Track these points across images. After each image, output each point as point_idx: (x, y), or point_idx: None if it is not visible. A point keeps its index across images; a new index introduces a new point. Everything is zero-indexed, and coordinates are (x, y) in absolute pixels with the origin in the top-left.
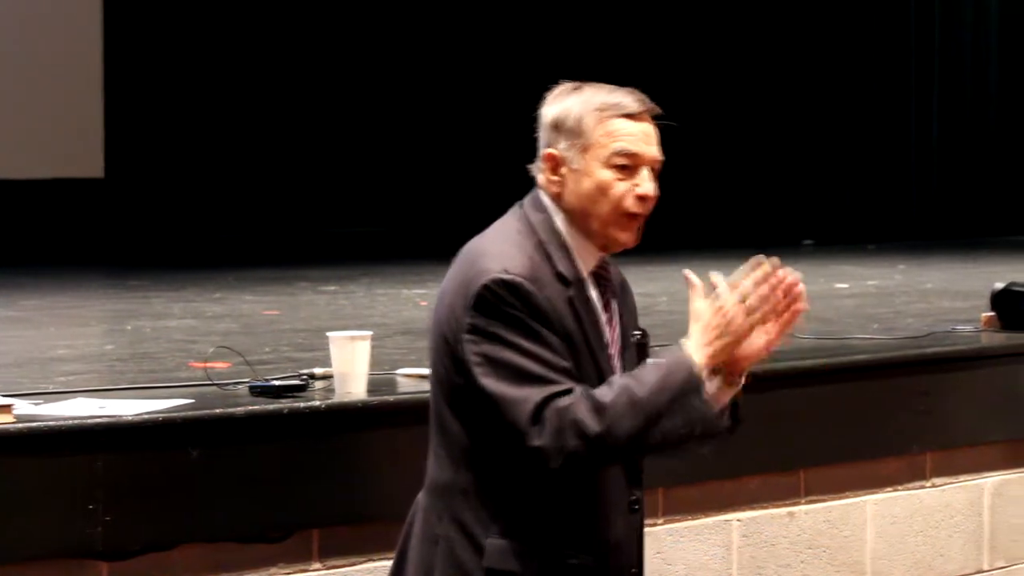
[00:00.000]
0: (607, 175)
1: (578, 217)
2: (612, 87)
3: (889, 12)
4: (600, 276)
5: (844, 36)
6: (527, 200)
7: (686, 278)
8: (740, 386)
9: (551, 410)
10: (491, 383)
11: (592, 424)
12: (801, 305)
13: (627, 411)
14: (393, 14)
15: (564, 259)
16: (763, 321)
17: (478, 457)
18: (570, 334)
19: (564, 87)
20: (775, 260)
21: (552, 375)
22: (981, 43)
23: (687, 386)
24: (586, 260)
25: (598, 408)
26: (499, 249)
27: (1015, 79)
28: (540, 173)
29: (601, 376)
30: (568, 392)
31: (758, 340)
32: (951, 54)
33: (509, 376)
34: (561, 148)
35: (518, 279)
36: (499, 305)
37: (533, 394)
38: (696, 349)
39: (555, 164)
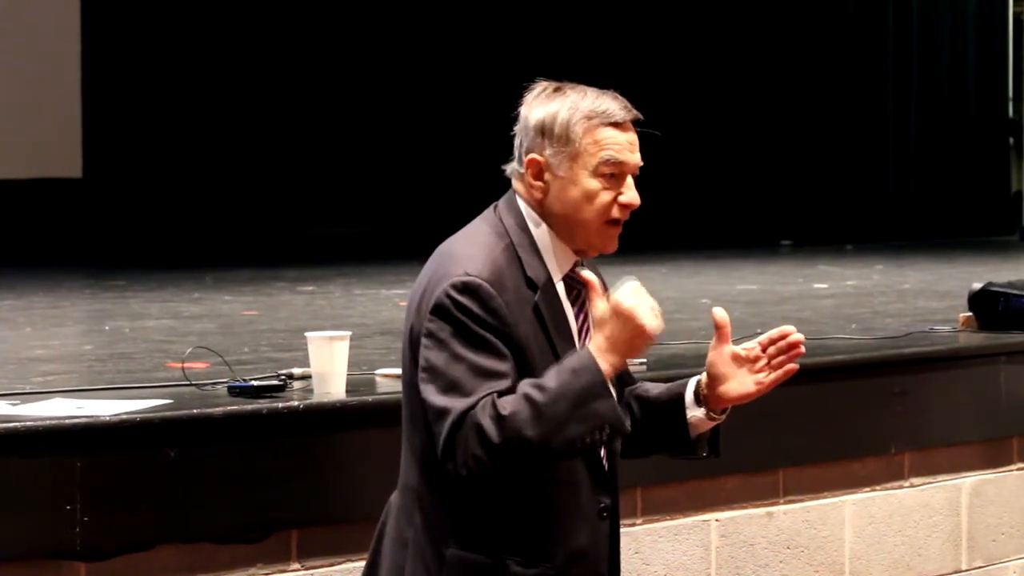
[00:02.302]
0: (594, 184)
1: (560, 223)
2: (596, 91)
3: (867, 13)
4: (573, 280)
5: (822, 36)
6: (502, 202)
7: (589, 283)
8: (721, 420)
9: (467, 419)
10: (428, 390)
11: (493, 432)
12: (796, 366)
13: (528, 419)
14: (376, 14)
15: (535, 263)
16: (758, 370)
17: (437, 462)
18: (525, 341)
19: (545, 88)
20: (791, 327)
21: (487, 386)
22: (958, 43)
23: (590, 391)
24: (560, 264)
25: (499, 417)
26: (466, 251)
27: (992, 79)
28: (520, 178)
29: None
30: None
31: (748, 384)
32: (929, 54)
33: (444, 386)
34: (547, 154)
35: (478, 280)
36: (454, 310)
37: (458, 405)
38: (600, 352)
39: (539, 170)
